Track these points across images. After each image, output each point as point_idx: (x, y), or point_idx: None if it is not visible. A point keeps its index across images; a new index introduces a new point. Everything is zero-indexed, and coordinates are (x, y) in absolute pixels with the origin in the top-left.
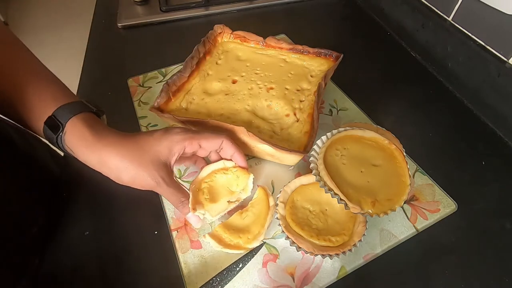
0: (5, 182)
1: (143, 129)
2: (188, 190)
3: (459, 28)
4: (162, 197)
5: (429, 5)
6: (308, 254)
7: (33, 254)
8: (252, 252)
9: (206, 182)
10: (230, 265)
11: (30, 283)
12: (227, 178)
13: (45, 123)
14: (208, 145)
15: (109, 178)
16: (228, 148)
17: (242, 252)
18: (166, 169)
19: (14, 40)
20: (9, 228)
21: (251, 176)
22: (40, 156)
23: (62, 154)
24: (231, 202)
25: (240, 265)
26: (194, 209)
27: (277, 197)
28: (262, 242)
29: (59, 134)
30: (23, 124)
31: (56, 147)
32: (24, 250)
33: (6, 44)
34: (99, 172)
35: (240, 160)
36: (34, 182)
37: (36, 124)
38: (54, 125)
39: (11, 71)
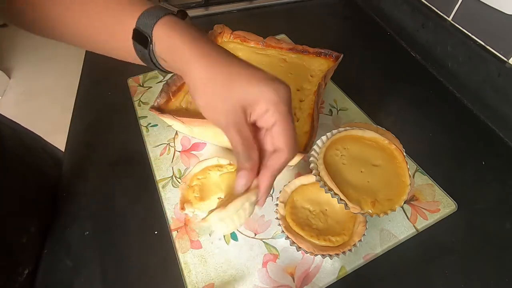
0: None
1: (143, 129)
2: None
3: (459, 28)
4: (162, 197)
5: (429, 5)
6: (308, 254)
7: (21, 265)
8: None
9: (198, 179)
10: None
11: None
12: (221, 175)
13: (133, 38)
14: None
15: (111, 175)
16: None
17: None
18: (242, 116)
19: None
20: None
21: None
22: (35, 158)
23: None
24: (223, 199)
25: None
26: (183, 208)
27: (277, 197)
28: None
29: (149, 46)
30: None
31: (151, 65)
32: (11, 260)
33: None
34: (100, 170)
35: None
36: (26, 186)
37: (123, 45)
38: (142, 38)
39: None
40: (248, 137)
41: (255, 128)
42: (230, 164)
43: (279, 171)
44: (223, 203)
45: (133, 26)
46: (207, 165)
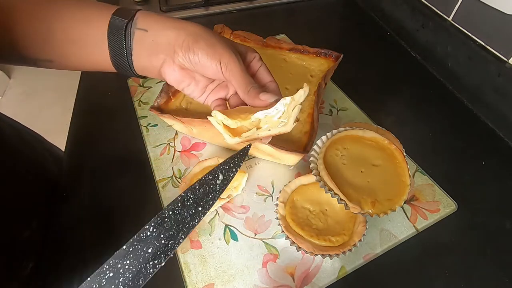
0: None
1: (143, 129)
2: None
3: (459, 28)
4: (162, 197)
5: (429, 5)
6: (308, 254)
7: (25, 259)
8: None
9: (199, 178)
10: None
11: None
12: None
13: (114, 14)
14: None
15: (111, 174)
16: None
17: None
18: (238, 56)
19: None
20: None
21: (246, 175)
22: (37, 155)
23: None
24: (222, 199)
25: (220, 177)
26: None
27: (277, 197)
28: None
29: (131, 19)
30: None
31: (121, 41)
32: (14, 255)
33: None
34: (100, 170)
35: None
36: (28, 183)
37: (96, 32)
38: (125, 12)
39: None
40: (244, 70)
41: None
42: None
43: (278, 89)
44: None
45: (108, 18)
46: (207, 165)
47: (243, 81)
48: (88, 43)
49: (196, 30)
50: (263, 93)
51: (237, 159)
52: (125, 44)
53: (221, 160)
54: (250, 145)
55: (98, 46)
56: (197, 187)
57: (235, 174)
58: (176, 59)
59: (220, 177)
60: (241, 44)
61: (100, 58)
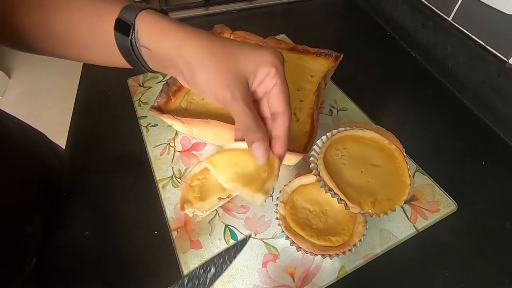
0: None
1: (143, 129)
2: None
3: (459, 28)
4: (162, 197)
5: (429, 5)
6: (308, 254)
7: (28, 255)
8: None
9: (198, 179)
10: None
11: (25, 283)
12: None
13: (115, 28)
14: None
15: (111, 175)
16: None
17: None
18: (246, 86)
19: None
20: None
21: None
22: (41, 153)
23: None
24: (222, 199)
25: (212, 270)
26: (183, 208)
27: (277, 197)
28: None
29: (132, 34)
30: (94, 56)
31: (133, 56)
32: (17, 250)
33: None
34: (100, 170)
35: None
36: (31, 179)
37: (104, 40)
38: (125, 26)
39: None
40: (253, 108)
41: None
42: None
43: (287, 134)
44: (240, 180)
45: (115, 17)
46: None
47: (240, 122)
48: (101, 51)
49: (193, 55)
50: (255, 148)
51: (234, 252)
52: (137, 57)
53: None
54: (249, 237)
55: (111, 51)
56: (185, 282)
57: (228, 266)
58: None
59: (212, 270)
60: (256, 53)
61: (115, 60)
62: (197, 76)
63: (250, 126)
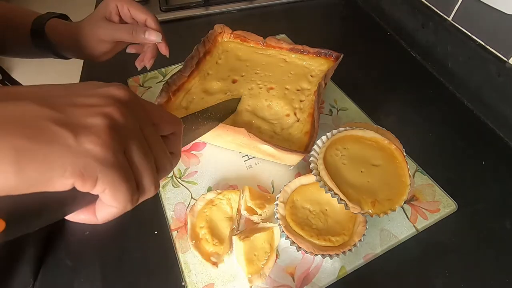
0: None
1: None
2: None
3: (459, 28)
4: (162, 197)
5: (429, 5)
6: (308, 254)
7: (27, 246)
8: None
9: (204, 212)
10: None
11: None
12: (219, 207)
13: (32, 35)
14: (135, 12)
15: None
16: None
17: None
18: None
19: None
20: None
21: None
22: None
23: None
24: (233, 229)
25: None
26: (209, 260)
27: (277, 197)
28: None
29: (44, 37)
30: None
31: (51, 54)
32: (16, 242)
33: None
34: None
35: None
36: None
37: (27, 42)
38: (39, 31)
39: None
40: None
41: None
42: (219, 193)
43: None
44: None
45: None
46: (209, 198)
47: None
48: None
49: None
50: (148, 32)
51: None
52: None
53: (207, 196)
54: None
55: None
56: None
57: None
58: None
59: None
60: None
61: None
62: (97, 29)
63: (129, 31)
